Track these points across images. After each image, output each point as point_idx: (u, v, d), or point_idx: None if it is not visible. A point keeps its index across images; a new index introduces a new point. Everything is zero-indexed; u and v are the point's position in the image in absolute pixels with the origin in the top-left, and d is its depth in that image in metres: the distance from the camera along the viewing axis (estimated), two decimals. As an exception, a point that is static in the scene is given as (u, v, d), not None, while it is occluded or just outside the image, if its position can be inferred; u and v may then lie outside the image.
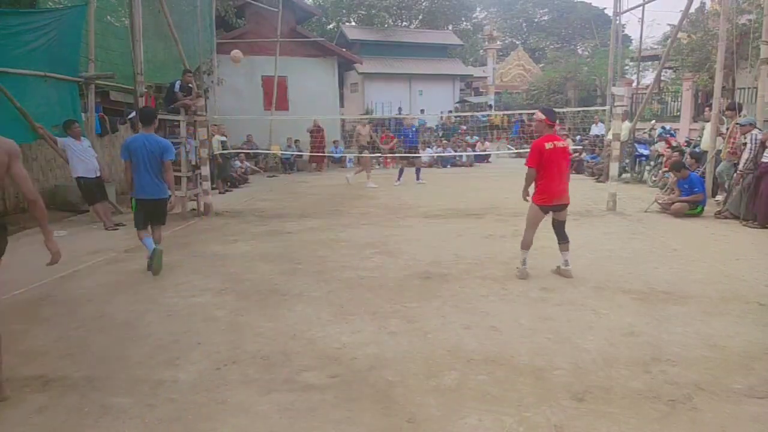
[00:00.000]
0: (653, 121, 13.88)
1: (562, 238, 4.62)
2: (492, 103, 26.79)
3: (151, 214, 5.02)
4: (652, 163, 10.85)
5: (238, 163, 12.90)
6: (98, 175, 7.15)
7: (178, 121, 8.00)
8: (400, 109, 22.25)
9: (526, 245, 4.63)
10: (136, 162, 4.82)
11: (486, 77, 28.05)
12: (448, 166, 15.60)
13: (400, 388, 2.76)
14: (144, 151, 4.81)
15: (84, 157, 7.00)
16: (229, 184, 11.62)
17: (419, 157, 12.08)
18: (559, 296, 4.13)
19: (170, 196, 5.03)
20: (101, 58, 8.26)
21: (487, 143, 17.42)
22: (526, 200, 4.62)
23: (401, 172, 11.70)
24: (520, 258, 4.64)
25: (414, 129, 12.17)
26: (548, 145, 4.39)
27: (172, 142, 8.44)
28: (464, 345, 3.28)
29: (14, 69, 6.58)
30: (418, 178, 11.60)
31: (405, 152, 11.74)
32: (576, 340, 3.32)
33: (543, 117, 4.53)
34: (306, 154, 14.74)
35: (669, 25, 25.54)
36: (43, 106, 7.13)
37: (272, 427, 2.44)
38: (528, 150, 4.65)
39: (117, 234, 6.28)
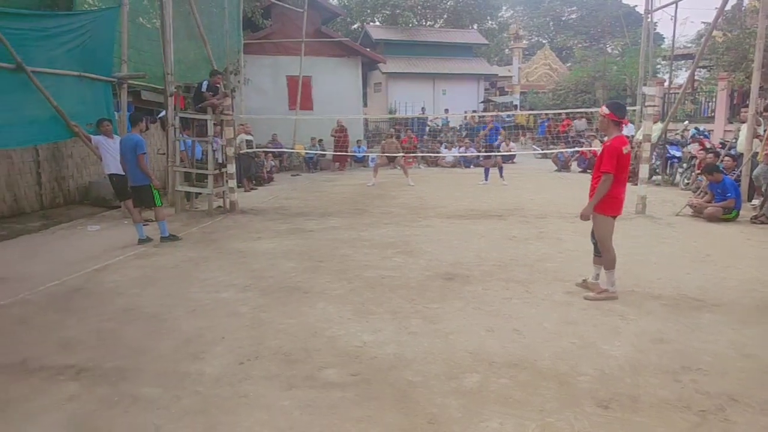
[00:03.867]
0: (686, 122, 13.46)
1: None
2: (517, 102, 26.44)
3: (134, 196, 6.33)
4: (684, 165, 10.52)
5: (271, 162, 13.13)
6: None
7: (206, 120, 8.18)
8: (423, 108, 22.21)
9: (613, 263, 4.05)
10: (123, 156, 6.20)
11: (511, 76, 27.72)
12: (471, 166, 15.48)
13: (420, 389, 2.75)
14: (125, 147, 6.12)
15: (116, 154, 7.21)
16: (254, 182, 11.81)
17: (497, 156, 11.71)
18: (584, 300, 4.04)
19: (148, 183, 6.09)
20: (133, 59, 8.49)
21: (512, 144, 17.20)
22: (588, 214, 3.99)
23: (487, 171, 11.52)
24: (609, 281, 4.06)
25: (495, 127, 11.73)
26: (625, 149, 3.91)
27: (200, 141, 8.69)
28: (486, 347, 3.24)
29: (52, 69, 6.84)
30: (501, 176, 11.24)
31: (483, 151, 11.56)
32: (602, 345, 3.24)
33: (607, 112, 3.94)
34: (329, 153, 14.85)
35: (703, 22, 24.74)
36: (78, 105, 7.37)
37: (293, 423, 2.46)
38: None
39: (147, 229, 6.45)
